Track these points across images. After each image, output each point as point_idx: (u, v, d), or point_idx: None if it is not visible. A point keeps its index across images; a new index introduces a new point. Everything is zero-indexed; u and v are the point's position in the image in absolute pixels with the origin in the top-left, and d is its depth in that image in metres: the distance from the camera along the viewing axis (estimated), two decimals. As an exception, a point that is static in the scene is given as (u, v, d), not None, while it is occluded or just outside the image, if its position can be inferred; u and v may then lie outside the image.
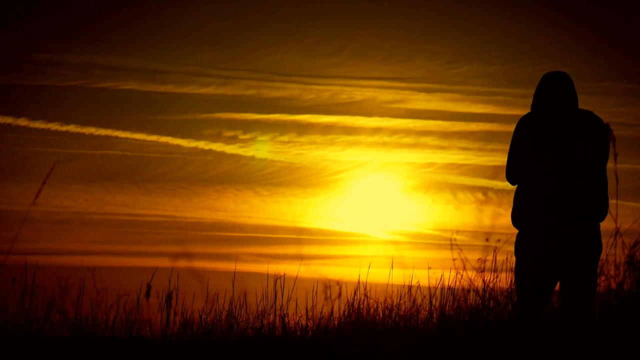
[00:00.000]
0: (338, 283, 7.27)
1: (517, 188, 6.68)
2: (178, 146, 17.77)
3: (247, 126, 17.79)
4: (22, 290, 7.62)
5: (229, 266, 8.28)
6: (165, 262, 7.62)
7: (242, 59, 17.91)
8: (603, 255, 6.40)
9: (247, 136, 17.78)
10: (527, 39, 17.30)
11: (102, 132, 17.60)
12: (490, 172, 16.73)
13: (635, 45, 16.10)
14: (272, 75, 17.77)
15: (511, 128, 6.70)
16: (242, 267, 8.33)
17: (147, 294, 6.94)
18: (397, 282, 8.00)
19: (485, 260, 7.13)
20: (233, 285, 8.10)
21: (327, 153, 17.77)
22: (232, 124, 17.74)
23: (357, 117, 17.79)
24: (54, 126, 17.33)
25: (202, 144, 17.70)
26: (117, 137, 17.61)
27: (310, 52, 17.80)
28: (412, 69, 17.80)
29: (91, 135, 17.55)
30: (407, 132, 17.61)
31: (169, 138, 17.72)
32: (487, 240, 6.84)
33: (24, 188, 16.97)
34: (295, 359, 6.78)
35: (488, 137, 17.47)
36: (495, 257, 7.36)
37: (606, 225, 6.49)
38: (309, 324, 7.90)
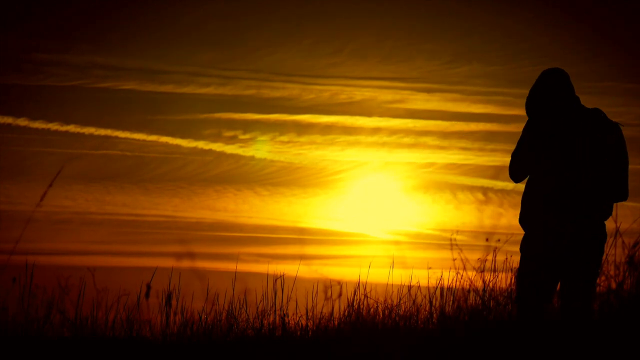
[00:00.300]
0: (338, 283, 7.27)
1: (524, 188, 6.69)
2: (178, 146, 17.78)
3: (247, 126, 17.80)
4: (22, 290, 7.63)
5: (229, 266, 8.29)
6: (165, 262, 7.63)
7: (242, 59, 17.92)
8: (603, 256, 6.40)
9: (247, 136, 17.79)
10: (527, 39, 17.30)
11: (102, 132, 17.61)
12: (491, 172, 16.72)
13: (635, 45, 16.10)
14: (272, 75, 17.78)
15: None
16: (242, 267, 8.33)
17: (147, 294, 6.95)
18: (397, 282, 8.00)
19: (485, 261, 7.11)
20: (233, 285, 8.11)
21: (327, 153, 17.78)
22: (232, 124, 17.74)
23: (357, 117, 17.80)
24: (54, 126, 17.34)
25: (202, 144, 17.71)
26: (117, 137, 17.61)
27: (310, 52, 17.80)
28: (412, 69, 17.80)
29: (91, 135, 17.55)
30: (407, 132, 17.61)
31: (168, 138, 17.73)
32: (487, 240, 6.84)
33: (24, 188, 16.99)
34: (295, 359, 6.77)
35: (488, 137, 17.45)
36: (495, 257, 7.35)
37: (606, 225, 6.48)
38: (309, 324, 7.90)
